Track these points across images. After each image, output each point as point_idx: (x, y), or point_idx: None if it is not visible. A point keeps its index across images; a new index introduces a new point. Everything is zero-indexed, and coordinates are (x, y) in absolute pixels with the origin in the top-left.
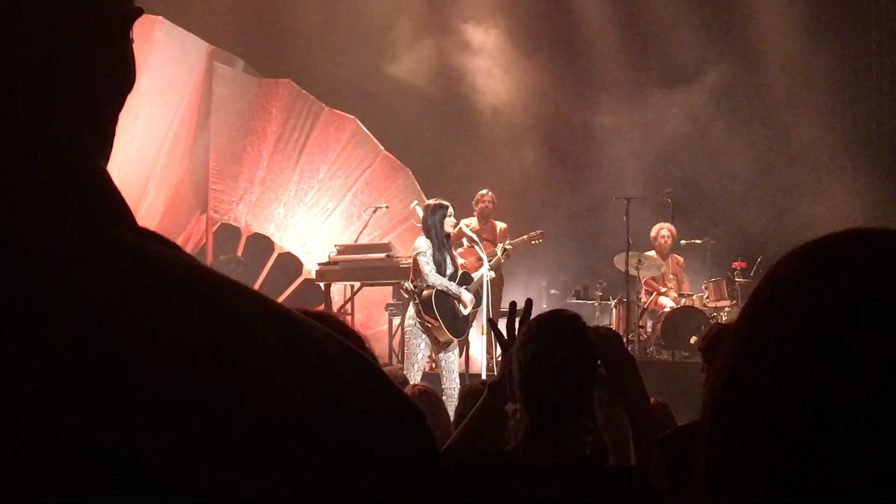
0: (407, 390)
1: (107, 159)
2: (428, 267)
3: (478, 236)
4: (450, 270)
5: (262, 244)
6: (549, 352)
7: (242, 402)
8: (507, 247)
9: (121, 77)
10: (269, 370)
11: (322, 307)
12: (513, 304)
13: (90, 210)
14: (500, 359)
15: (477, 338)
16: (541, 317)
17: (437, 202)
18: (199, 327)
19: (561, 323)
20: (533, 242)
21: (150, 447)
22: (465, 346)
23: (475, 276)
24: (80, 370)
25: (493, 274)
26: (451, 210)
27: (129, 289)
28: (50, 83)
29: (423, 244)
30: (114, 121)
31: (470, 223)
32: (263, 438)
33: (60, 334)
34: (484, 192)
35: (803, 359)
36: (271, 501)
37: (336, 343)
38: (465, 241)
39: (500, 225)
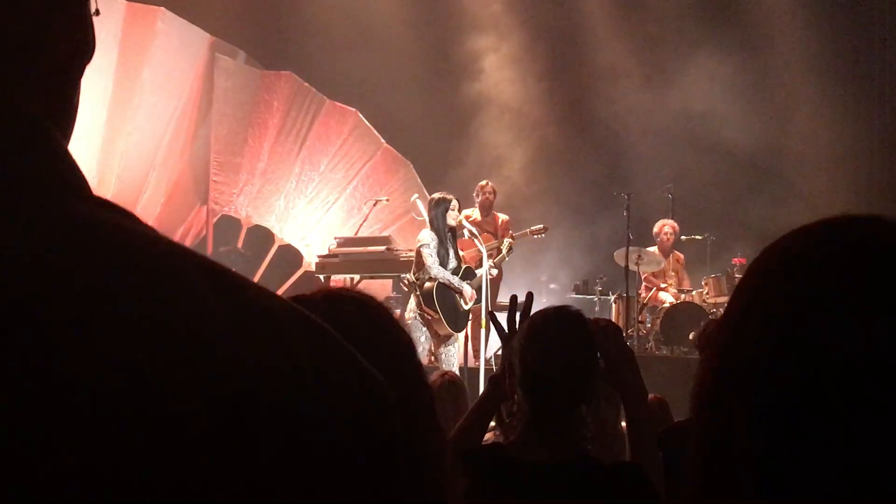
0: (436, 376)
1: (67, 128)
2: (431, 259)
3: (479, 228)
4: (452, 265)
5: (262, 236)
6: (552, 350)
7: (179, 382)
8: (512, 240)
9: (80, 45)
10: (209, 339)
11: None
12: (513, 298)
13: (36, 179)
14: (499, 352)
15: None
16: (545, 313)
17: (441, 196)
18: (140, 295)
19: (565, 321)
20: (535, 236)
21: (64, 429)
22: (465, 340)
23: (479, 272)
24: (13, 351)
25: (495, 272)
26: (454, 204)
27: (70, 256)
28: (3, 49)
29: (427, 237)
30: (73, 91)
31: (470, 214)
32: (204, 419)
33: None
34: (484, 182)
35: (791, 352)
36: (212, 487)
37: (297, 316)
38: (465, 231)
39: (502, 217)
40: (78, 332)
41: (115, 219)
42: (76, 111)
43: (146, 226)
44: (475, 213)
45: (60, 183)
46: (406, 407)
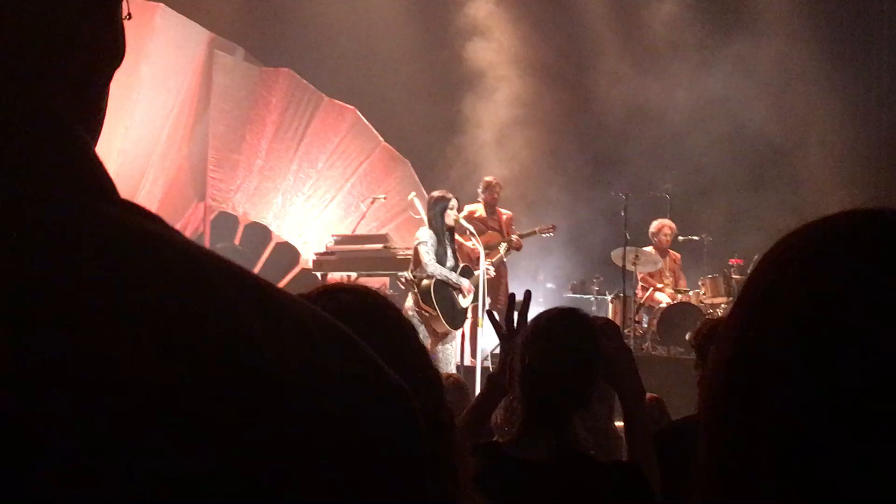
0: None
1: (95, 132)
2: (428, 256)
3: (483, 225)
4: (450, 263)
5: (259, 233)
6: (555, 352)
7: (208, 383)
8: (512, 240)
9: (110, 49)
10: (239, 347)
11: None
12: (511, 296)
13: (64, 178)
14: (496, 350)
15: (472, 330)
16: (550, 314)
17: (440, 194)
18: (169, 302)
19: (571, 324)
20: (544, 235)
21: (93, 428)
22: (462, 338)
23: (476, 273)
24: (38, 346)
25: (492, 271)
26: (453, 203)
27: (98, 260)
28: (35, 51)
29: (425, 234)
30: (102, 94)
31: (475, 210)
32: (230, 422)
33: (24, 306)
34: (490, 179)
35: (810, 350)
36: (239, 489)
37: (322, 322)
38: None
39: (506, 213)
40: (110, 333)
41: (144, 223)
42: (104, 115)
43: (173, 230)
44: (479, 209)
45: (90, 186)
46: (413, 391)
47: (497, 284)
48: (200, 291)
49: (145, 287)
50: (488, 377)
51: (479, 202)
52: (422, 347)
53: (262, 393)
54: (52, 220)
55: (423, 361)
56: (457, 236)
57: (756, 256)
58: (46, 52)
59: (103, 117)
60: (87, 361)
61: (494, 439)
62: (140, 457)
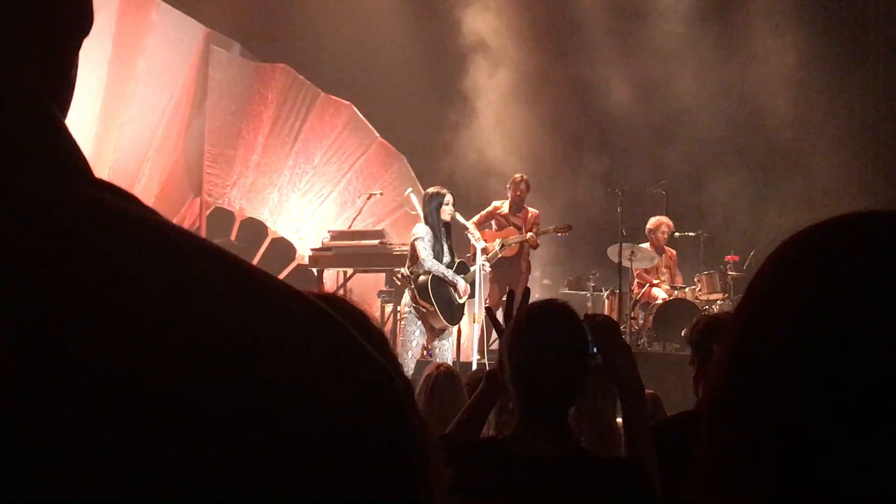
0: (431, 368)
1: (65, 105)
2: (425, 252)
3: (506, 221)
4: (446, 259)
5: (255, 229)
6: (538, 349)
7: (188, 369)
8: (527, 237)
9: (77, 15)
10: (223, 335)
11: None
12: (510, 294)
13: (39, 159)
14: (494, 346)
15: (469, 326)
16: (529, 310)
17: (436, 190)
18: (149, 286)
19: (550, 317)
20: (559, 234)
21: (69, 415)
22: (458, 334)
23: (472, 269)
24: (15, 334)
25: (487, 267)
26: (448, 198)
27: (74, 241)
28: (1, 22)
29: (421, 230)
30: (71, 65)
31: (500, 206)
32: (211, 409)
33: None
34: (518, 176)
35: (811, 350)
36: (237, 485)
37: (306, 305)
38: (493, 222)
39: (532, 211)
40: (85, 317)
41: (119, 202)
42: (74, 85)
43: (149, 209)
44: (505, 205)
45: (63, 164)
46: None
47: (514, 282)
48: (181, 274)
49: (124, 272)
50: (487, 373)
51: (506, 198)
52: (392, 356)
53: (248, 384)
54: (25, 200)
55: (394, 370)
56: (474, 235)
57: (752, 252)
58: (11, 19)
59: (73, 89)
60: (71, 355)
61: (493, 436)
62: (137, 455)
